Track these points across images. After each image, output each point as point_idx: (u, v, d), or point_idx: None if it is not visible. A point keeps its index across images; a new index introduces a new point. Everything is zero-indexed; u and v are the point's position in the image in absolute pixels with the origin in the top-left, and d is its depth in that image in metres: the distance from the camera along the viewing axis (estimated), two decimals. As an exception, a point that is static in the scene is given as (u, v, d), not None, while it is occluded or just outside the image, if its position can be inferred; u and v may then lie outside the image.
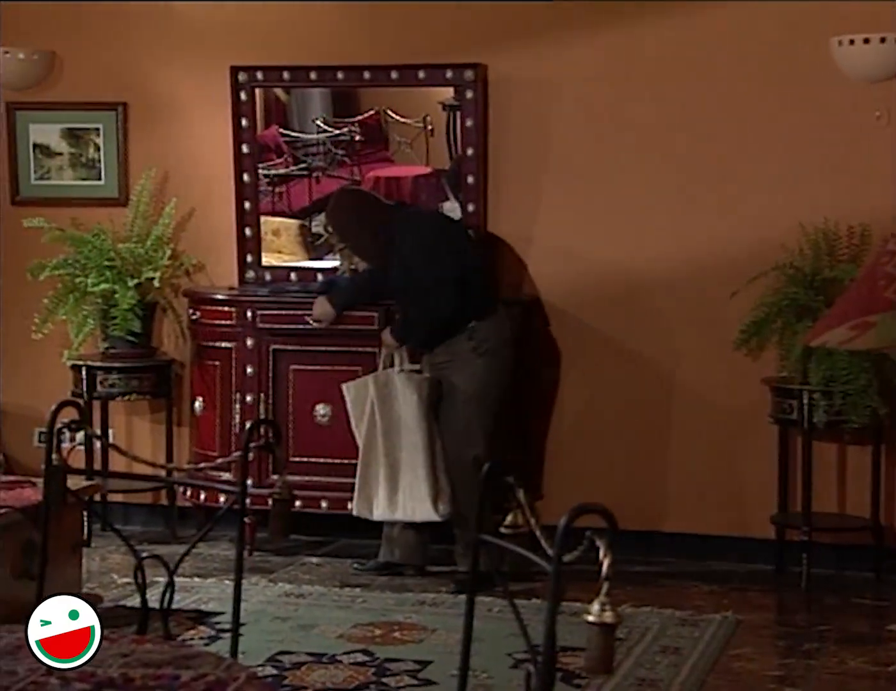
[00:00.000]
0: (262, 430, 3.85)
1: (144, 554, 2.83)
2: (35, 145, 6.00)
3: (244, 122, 5.65)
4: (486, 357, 4.93)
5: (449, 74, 5.45)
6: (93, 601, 4.54)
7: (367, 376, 5.03)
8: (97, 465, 5.65)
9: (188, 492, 5.63)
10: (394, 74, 5.49)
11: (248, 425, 5.11)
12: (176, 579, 2.75)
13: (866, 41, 5.05)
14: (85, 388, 5.63)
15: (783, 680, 4.10)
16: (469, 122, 5.45)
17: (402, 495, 4.95)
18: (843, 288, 4.73)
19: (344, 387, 5.05)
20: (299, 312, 5.28)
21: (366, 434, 4.98)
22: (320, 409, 5.32)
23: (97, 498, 5.58)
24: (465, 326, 4.91)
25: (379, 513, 4.99)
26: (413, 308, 4.98)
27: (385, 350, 5.05)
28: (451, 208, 5.52)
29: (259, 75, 5.62)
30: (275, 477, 5.21)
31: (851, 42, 5.08)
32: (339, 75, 5.56)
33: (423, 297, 4.90)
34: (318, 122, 5.73)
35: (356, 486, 4.99)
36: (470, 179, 5.48)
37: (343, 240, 5.13)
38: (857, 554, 5.22)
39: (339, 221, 5.12)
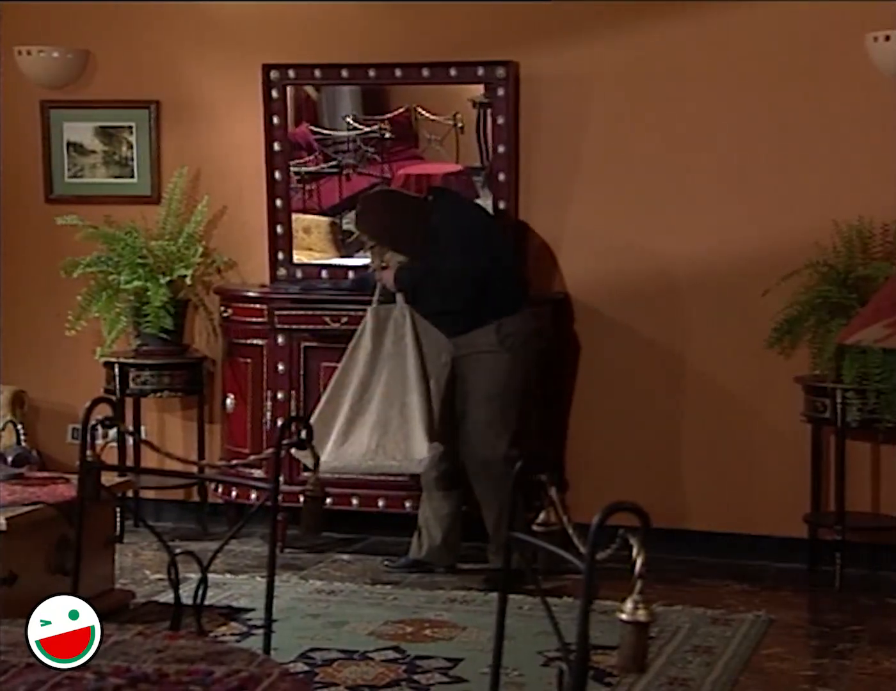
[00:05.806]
0: (293, 427, 3.86)
1: (177, 551, 2.84)
2: (69, 143, 6.03)
3: (276, 119, 5.67)
4: (511, 352, 4.91)
5: (480, 72, 5.44)
6: (126, 597, 4.60)
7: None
8: (129, 462, 5.69)
9: (219, 489, 5.65)
10: (425, 72, 5.49)
11: (279, 422, 5.21)
12: (208, 575, 2.76)
13: (901, 37, 5.01)
14: (117, 385, 5.65)
15: (816, 680, 4.07)
16: (500, 120, 5.44)
17: (380, 440, 4.88)
18: (876, 286, 4.70)
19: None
20: (330, 310, 5.30)
21: (341, 370, 4.96)
22: (351, 407, 5.31)
23: (130, 494, 5.61)
24: (491, 320, 4.89)
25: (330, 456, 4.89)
26: (431, 277, 4.91)
27: (378, 291, 5.00)
28: (484, 204, 5.50)
29: (291, 73, 5.64)
30: (306, 474, 5.21)
31: (887, 38, 5.04)
32: (371, 73, 5.56)
33: (444, 277, 4.88)
34: (349, 120, 5.74)
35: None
36: (501, 177, 5.47)
37: (380, 242, 5.09)
38: (892, 553, 5.19)
39: (370, 226, 5.11)
